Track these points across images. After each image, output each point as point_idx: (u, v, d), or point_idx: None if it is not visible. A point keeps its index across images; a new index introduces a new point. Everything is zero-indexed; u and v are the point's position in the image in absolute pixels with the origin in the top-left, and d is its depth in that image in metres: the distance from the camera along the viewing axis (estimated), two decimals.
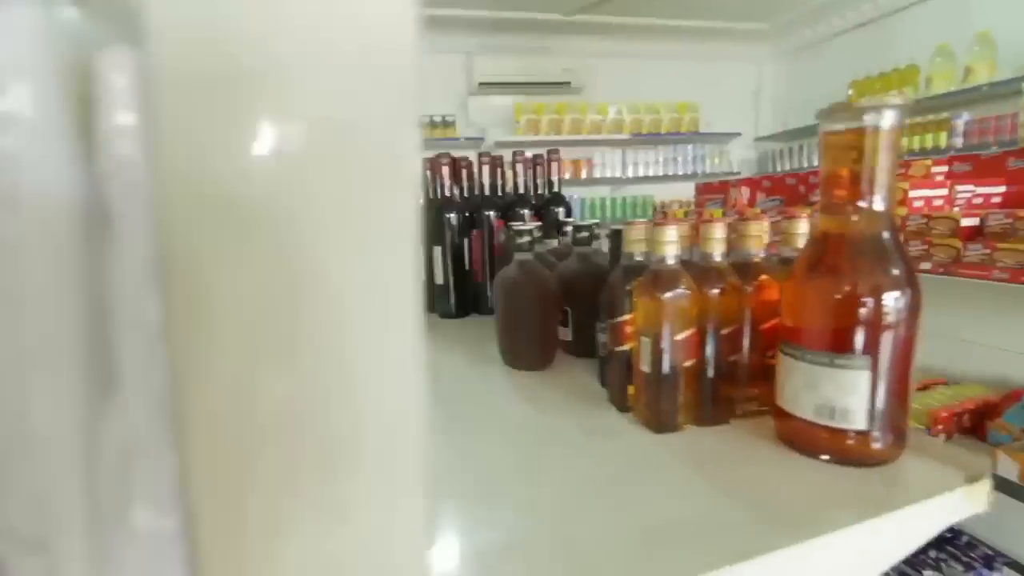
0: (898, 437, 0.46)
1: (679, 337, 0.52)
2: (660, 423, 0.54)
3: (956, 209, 1.61)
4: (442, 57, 4.42)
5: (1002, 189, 1.61)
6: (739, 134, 4.80)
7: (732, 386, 0.55)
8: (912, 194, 1.54)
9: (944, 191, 1.57)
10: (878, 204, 0.44)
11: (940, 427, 1.49)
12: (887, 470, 0.45)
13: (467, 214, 1.17)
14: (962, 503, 0.41)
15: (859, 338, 0.43)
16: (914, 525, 0.40)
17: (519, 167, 1.18)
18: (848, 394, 0.44)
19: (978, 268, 1.33)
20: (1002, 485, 1.32)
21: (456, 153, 3.71)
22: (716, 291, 0.52)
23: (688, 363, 0.53)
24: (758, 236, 0.57)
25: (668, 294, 0.51)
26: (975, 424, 1.55)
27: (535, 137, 4.29)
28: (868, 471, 0.45)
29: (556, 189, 1.21)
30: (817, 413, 0.45)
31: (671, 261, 0.53)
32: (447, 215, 1.15)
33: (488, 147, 4.36)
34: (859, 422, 0.44)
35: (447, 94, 4.45)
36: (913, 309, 0.44)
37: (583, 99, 4.60)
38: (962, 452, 0.45)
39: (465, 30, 4.29)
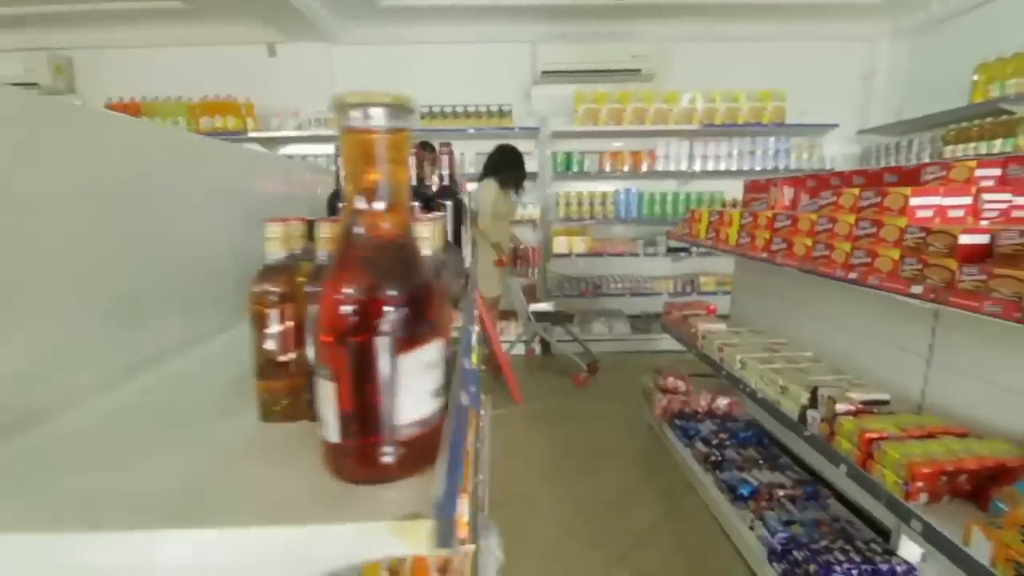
0: (415, 457, 0.43)
1: (271, 330, 0.52)
2: (263, 411, 0.55)
3: (984, 222, 1.29)
4: (507, 46, 4.43)
5: None
6: (836, 125, 4.20)
7: None
8: (914, 201, 1.27)
9: (966, 199, 1.27)
10: (376, 207, 0.41)
11: (920, 484, 1.24)
12: (359, 490, 0.42)
13: None
14: (389, 539, 0.38)
15: (328, 347, 0.41)
16: (314, 544, 0.38)
17: (411, 159, 1.19)
18: (323, 404, 0.42)
19: (969, 297, 1.07)
20: (972, 569, 1.07)
21: (492, 140, 3.75)
22: (312, 290, 0.52)
23: (285, 358, 0.53)
24: (424, 239, 0.54)
25: (256, 288, 0.52)
26: (978, 488, 1.26)
27: (594, 127, 4.15)
28: (348, 486, 0.42)
29: (447, 183, 1.20)
30: (320, 423, 0.44)
31: (273, 258, 0.53)
32: (338, 205, 1.20)
33: (545, 137, 4.32)
34: (332, 434, 0.42)
35: (511, 83, 4.46)
36: (402, 324, 0.40)
37: (654, 87, 4.34)
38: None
39: (531, 18, 4.25)
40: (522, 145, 4.07)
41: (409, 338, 0.41)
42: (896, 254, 1.26)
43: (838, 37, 4.35)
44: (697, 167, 4.24)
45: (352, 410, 0.41)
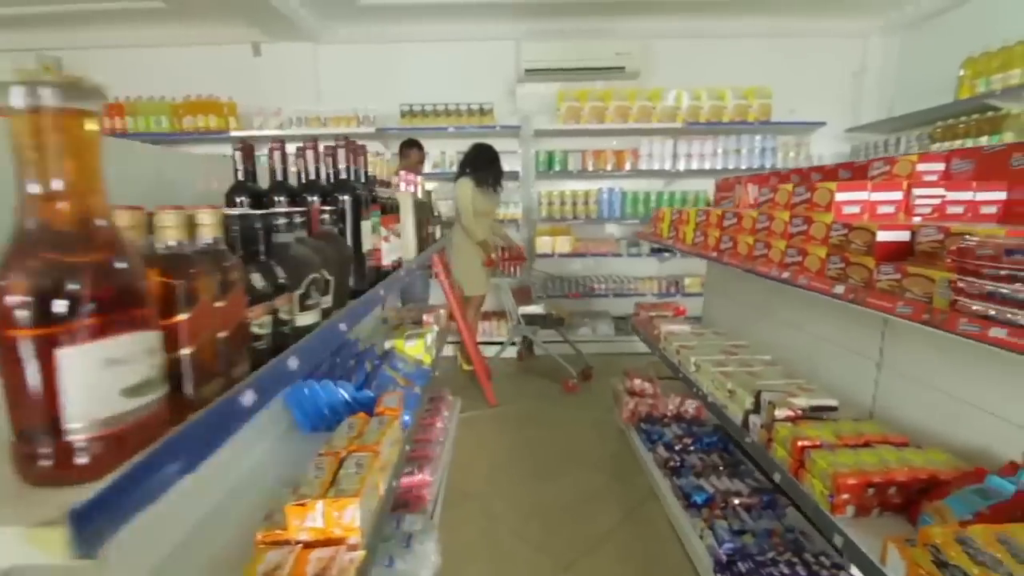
0: (107, 458, 0.40)
1: None
2: None
3: (917, 219, 1.22)
4: (492, 44, 4.40)
5: (1001, 196, 1.20)
6: (823, 123, 4.10)
7: None
8: (839, 197, 1.20)
9: (896, 195, 1.21)
10: (46, 192, 0.38)
11: (845, 496, 1.18)
12: (37, 492, 0.39)
13: (256, 199, 1.17)
14: (25, 546, 0.34)
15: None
16: None
17: (309, 154, 1.16)
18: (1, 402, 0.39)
19: (885, 297, 1.01)
20: None
21: (473, 139, 3.73)
22: None
23: None
24: (169, 227, 0.51)
25: None
26: (909, 501, 1.20)
27: (576, 126, 4.10)
28: (31, 488, 0.39)
29: (343, 177, 1.17)
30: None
31: None
32: (237, 199, 1.17)
33: (528, 136, 4.28)
34: (9, 434, 0.39)
35: (496, 81, 4.43)
36: (67, 317, 0.37)
37: (639, 84, 4.27)
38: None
39: (515, 15, 4.22)
40: (505, 144, 4.04)
41: (83, 331, 0.37)
42: (823, 252, 1.20)
43: (828, 34, 4.25)
44: (681, 166, 4.17)
45: (19, 409, 0.38)
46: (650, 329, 2.51)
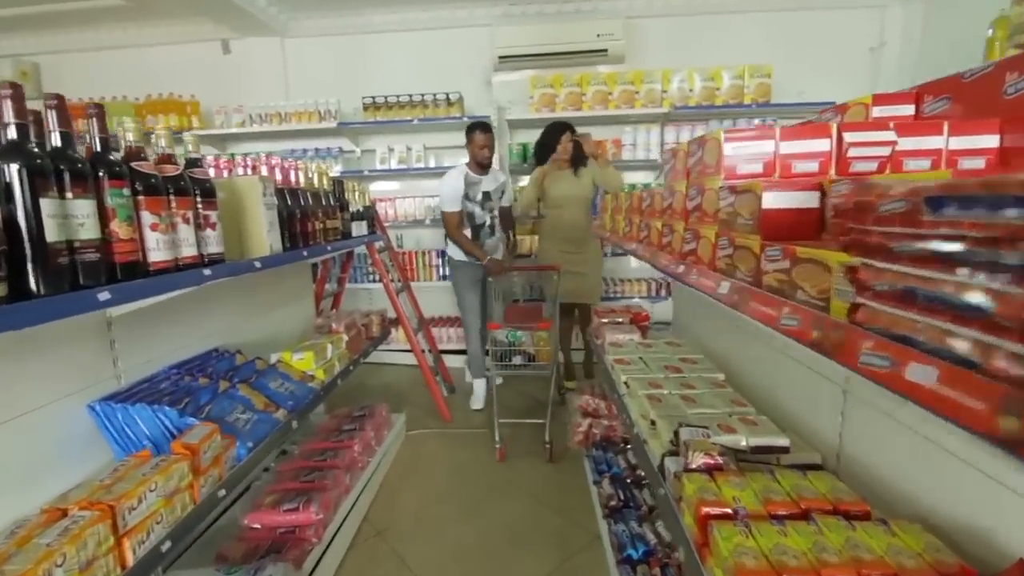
0: None
1: None
2: None
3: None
4: (465, 31, 4.10)
5: (991, 141, 0.79)
6: (831, 103, 3.58)
7: None
8: (728, 150, 0.81)
9: (823, 144, 0.80)
10: None
11: None
12: None
13: None
14: None
15: None
16: None
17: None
18: None
19: (768, 302, 0.62)
20: None
21: (442, 132, 3.40)
22: None
23: None
24: None
25: None
26: None
27: (551, 114, 3.74)
28: None
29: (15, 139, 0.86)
30: None
31: None
32: None
33: (501, 127, 3.94)
34: None
35: (472, 71, 4.12)
36: None
37: (628, 68, 3.88)
38: None
39: (490, 1, 3.91)
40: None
41: None
42: (713, 233, 0.81)
43: (839, 7, 3.75)
44: None
45: None
46: (597, 339, 2.12)
